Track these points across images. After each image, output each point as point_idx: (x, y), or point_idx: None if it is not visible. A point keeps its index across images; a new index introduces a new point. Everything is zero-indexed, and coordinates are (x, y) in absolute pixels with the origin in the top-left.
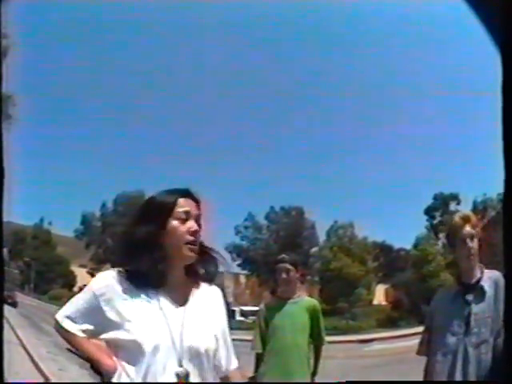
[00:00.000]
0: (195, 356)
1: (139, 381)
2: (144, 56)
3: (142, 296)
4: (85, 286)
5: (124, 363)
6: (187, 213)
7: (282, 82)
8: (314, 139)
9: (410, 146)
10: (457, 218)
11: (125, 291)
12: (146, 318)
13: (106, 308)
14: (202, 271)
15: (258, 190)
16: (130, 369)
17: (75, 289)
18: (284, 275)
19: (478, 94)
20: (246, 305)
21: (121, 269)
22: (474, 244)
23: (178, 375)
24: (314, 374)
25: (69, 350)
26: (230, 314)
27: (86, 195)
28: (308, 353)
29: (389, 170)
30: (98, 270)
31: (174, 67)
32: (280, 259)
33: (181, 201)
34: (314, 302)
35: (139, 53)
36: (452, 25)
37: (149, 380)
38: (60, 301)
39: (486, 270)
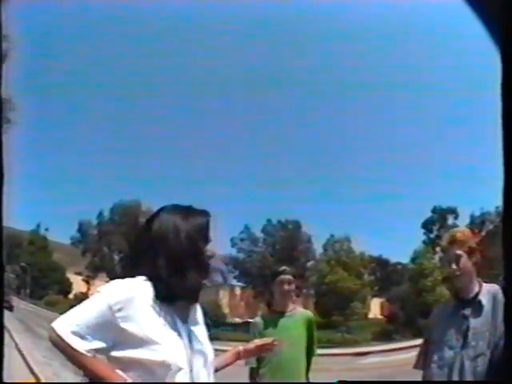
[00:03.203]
0: (203, 370)
1: None
2: (145, 59)
3: (160, 311)
4: (81, 293)
5: (137, 381)
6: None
7: (280, 96)
8: (312, 152)
9: (408, 160)
10: (444, 240)
11: (146, 306)
12: (170, 338)
13: (124, 325)
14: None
15: (255, 202)
16: None
17: (71, 296)
18: (285, 287)
19: (478, 94)
20: (241, 317)
21: (143, 278)
22: (461, 264)
23: None
24: None
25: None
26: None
27: (84, 202)
28: (305, 366)
29: (386, 183)
30: (94, 277)
31: (173, 75)
32: (281, 271)
33: (209, 225)
34: (309, 314)
35: (140, 56)
36: (452, 25)
37: None
38: (55, 307)
39: (484, 284)
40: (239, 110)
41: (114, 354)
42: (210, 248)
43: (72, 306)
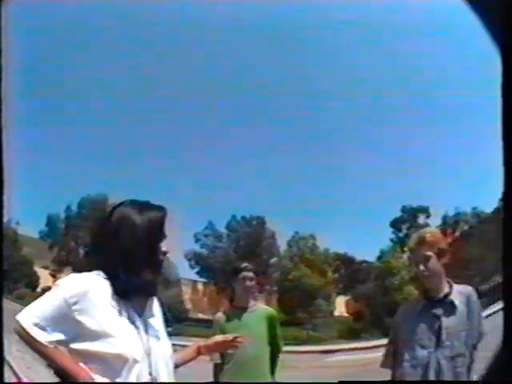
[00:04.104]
0: (161, 362)
1: None
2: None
3: (115, 305)
4: (48, 287)
5: (97, 373)
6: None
7: (246, 90)
8: (277, 149)
9: (380, 157)
10: (412, 241)
11: (101, 299)
12: (124, 330)
13: (80, 318)
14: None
15: (219, 198)
16: (105, 379)
17: (38, 289)
18: (247, 283)
19: (469, 94)
20: (204, 312)
21: (99, 272)
22: (430, 265)
23: (150, 383)
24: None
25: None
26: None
27: (54, 196)
28: (269, 363)
29: (354, 181)
30: (60, 272)
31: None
32: (243, 267)
33: (166, 221)
34: (270, 310)
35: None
36: (452, 25)
37: None
38: (24, 300)
39: (455, 285)
40: (205, 108)
41: (74, 346)
42: (165, 244)
43: None
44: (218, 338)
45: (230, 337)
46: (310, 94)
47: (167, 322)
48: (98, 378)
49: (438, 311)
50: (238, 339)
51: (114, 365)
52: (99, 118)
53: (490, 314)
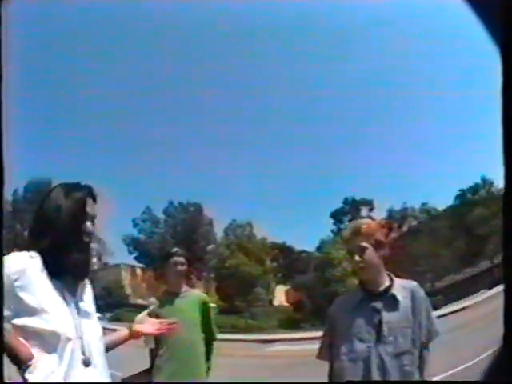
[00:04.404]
0: (93, 342)
1: (55, 368)
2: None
3: (51, 284)
4: None
5: (36, 350)
6: (91, 214)
7: (188, 87)
8: (214, 135)
9: (323, 148)
10: (346, 231)
11: (37, 277)
12: (59, 309)
13: (20, 294)
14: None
15: (157, 183)
16: (44, 356)
17: None
18: (178, 268)
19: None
20: (143, 298)
21: (33, 253)
22: (366, 256)
23: (84, 362)
24: (207, 369)
25: None
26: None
27: (7, 178)
28: (203, 348)
29: (293, 170)
30: (8, 255)
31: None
32: (173, 252)
33: (89, 201)
34: (203, 296)
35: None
36: (452, 25)
37: (62, 367)
38: None
39: (397, 279)
40: (150, 95)
41: (15, 322)
42: (89, 225)
43: None
44: (138, 318)
45: (157, 321)
46: (255, 89)
47: (107, 308)
48: (37, 353)
49: (378, 305)
50: (169, 326)
51: (49, 341)
52: (43, 105)
53: (449, 313)
